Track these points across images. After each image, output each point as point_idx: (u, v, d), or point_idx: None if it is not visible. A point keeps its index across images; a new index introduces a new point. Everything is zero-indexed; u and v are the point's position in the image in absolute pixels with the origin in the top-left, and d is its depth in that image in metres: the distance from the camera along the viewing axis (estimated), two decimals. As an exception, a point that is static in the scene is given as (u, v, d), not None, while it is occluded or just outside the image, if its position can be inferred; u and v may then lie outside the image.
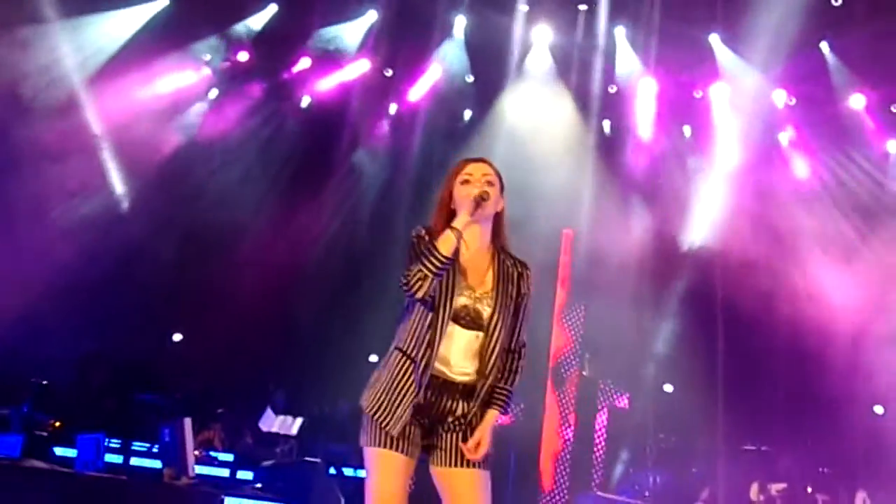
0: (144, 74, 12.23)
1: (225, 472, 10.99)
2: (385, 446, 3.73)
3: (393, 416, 3.73)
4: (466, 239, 3.78)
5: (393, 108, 13.74)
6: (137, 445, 11.20)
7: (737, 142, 12.31)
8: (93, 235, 11.92)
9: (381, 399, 3.76)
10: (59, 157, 11.39)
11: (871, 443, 11.22)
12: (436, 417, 3.79)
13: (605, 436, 12.03)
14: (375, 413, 3.75)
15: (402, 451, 3.73)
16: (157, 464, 10.07)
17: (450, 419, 3.79)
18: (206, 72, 13.27)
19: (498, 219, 3.93)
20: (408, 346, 3.76)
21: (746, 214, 11.89)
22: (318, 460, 10.07)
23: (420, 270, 3.67)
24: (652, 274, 12.00)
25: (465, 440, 3.78)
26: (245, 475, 10.59)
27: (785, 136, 12.83)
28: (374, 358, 13.47)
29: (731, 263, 11.58)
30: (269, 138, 13.69)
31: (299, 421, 11.42)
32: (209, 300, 12.82)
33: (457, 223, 3.72)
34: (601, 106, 12.98)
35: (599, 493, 10.37)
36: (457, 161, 3.97)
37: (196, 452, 9.74)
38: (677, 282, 12.47)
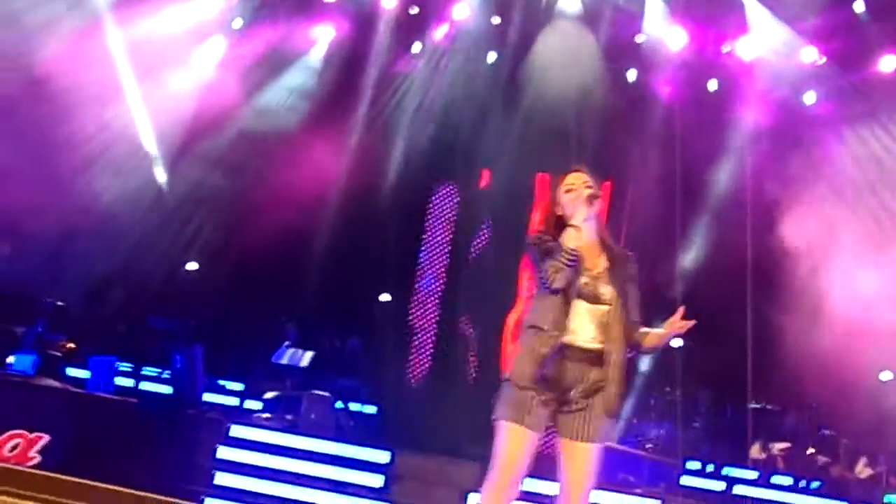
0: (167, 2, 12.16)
1: (234, 401, 11.14)
2: (513, 421, 4.38)
3: (525, 373, 4.39)
4: (582, 232, 4.47)
5: (417, 47, 13.61)
6: (148, 370, 11.35)
7: (761, 99, 12.16)
8: (113, 162, 11.96)
9: (523, 366, 4.41)
10: (81, 85, 11.37)
11: (875, 408, 11.24)
12: (565, 387, 4.43)
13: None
14: (516, 377, 4.41)
15: (526, 426, 4.36)
16: (167, 389, 10.22)
17: (579, 388, 4.41)
18: (231, 1, 13.17)
19: (599, 215, 4.63)
20: (542, 322, 4.42)
21: (765, 176, 11.78)
22: (326, 394, 10.18)
23: (553, 265, 4.39)
24: (666, 225, 11.95)
25: (590, 416, 4.42)
26: (253, 405, 10.73)
27: (810, 96, 12.63)
28: (386, 297, 13.55)
29: (748, 223, 11.51)
30: (293, 72, 13.63)
31: (310, 354, 11.52)
32: (226, 230, 12.89)
33: (576, 221, 4.47)
34: (628, 55, 12.83)
35: (602, 442, 10.45)
36: (555, 176, 4.71)
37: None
38: (692, 236, 12.42)
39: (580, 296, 4.45)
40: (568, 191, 4.60)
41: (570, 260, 4.39)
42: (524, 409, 4.38)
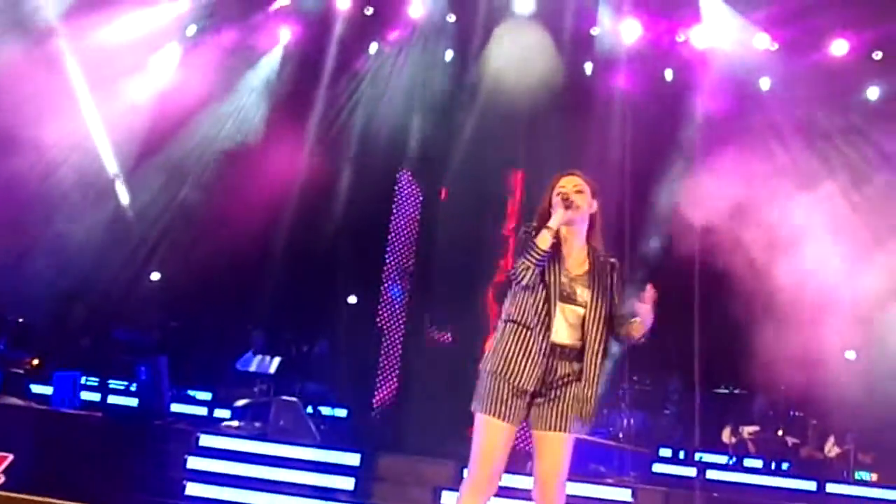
0: (119, 9, 12.04)
1: (202, 411, 11.06)
2: (491, 414, 4.53)
3: (524, 373, 4.52)
4: (568, 235, 4.69)
5: (373, 48, 13.58)
6: (114, 383, 11.25)
7: (717, 87, 12.26)
8: (69, 174, 11.82)
9: (510, 361, 4.55)
10: (34, 100, 11.26)
11: (841, 388, 11.34)
12: (543, 378, 4.55)
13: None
14: (505, 372, 4.53)
15: (505, 420, 4.51)
16: (133, 402, 10.13)
17: (549, 379, 4.54)
18: (184, 8, 13.06)
19: (593, 219, 4.81)
20: (524, 318, 4.57)
21: (723, 163, 11.85)
22: (295, 399, 10.14)
23: (523, 262, 4.53)
24: (630, 215, 12.02)
25: (562, 407, 4.56)
26: (222, 413, 10.66)
27: (766, 82, 12.75)
28: (353, 299, 13.50)
29: (708, 214, 11.58)
30: (250, 77, 13.55)
31: (277, 360, 11.46)
32: (188, 239, 12.80)
33: (551, 223, 4.59)
34: (584, 48, 12.89)
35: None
36: (552, 176, 4.83)
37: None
38: (652, 226, 12.48)
39: (558, 295, 4.60)
40: (558, 193, 4.72)
41: (538, 259, 4.52)
42: (502, 402, 4.52)
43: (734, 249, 11.28)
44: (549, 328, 4.53)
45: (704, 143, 12.11)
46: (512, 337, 4.58)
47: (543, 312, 4.55)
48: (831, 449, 11.88)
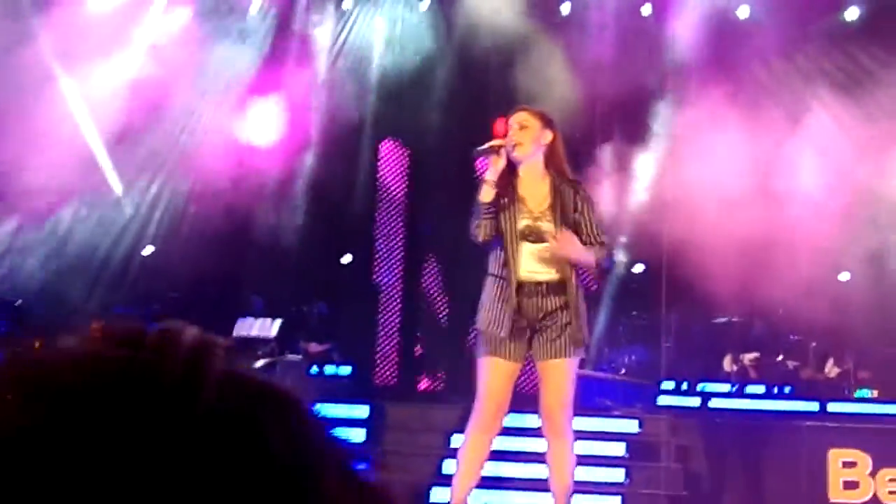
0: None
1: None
2: (491, 355, 4.64)
3: (500, 323, 4.58)
4: (522, 173, 4.68)
5: (348, 3, 13.45)
6: (119, 358, 11.27)
7: (696, 19, 12.20)
8: (52, 154, 11.74)
9: (489, 315, 4.64)
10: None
11: (837, 309, 11.45)
12: (532, 317, 4.62)
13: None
14: (487, 326, 4.64)
15: (504, 357, 4.61)
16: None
17: (541, 316, 4.61)
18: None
19: (551, 148, 4.72)
20: (494, 269, 4.67)
21: (705, 90, 11.82)
22: (299, 358, 10.20)
23: (475, 223, 4.60)
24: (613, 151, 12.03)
25: (556, 336, 4.60)
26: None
27: (744, 10, 12.67)
28: (347, 258, 13.50)
29: (697, 140, 11.59)
30: (226, 41, 13.42)
31: (278, 322, 11.47)
32: (178, 208, 12.78)
33: (487, 175, 4.64)
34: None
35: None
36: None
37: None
38: (636, 160, 12.47)
39: (524, 237, 4.59)
40: (494, 139, 4.91)
41: (486, 212, 4.56)
42: (499, 344, 4.61)
43: (723, 176, 11.33)
44: (511, 271, 4.57)
45: (687, 76, 12.10)
46: (490, 288, 4.67)
47: (504, 256, 4.61)
48: (831, 369, 12.01)
